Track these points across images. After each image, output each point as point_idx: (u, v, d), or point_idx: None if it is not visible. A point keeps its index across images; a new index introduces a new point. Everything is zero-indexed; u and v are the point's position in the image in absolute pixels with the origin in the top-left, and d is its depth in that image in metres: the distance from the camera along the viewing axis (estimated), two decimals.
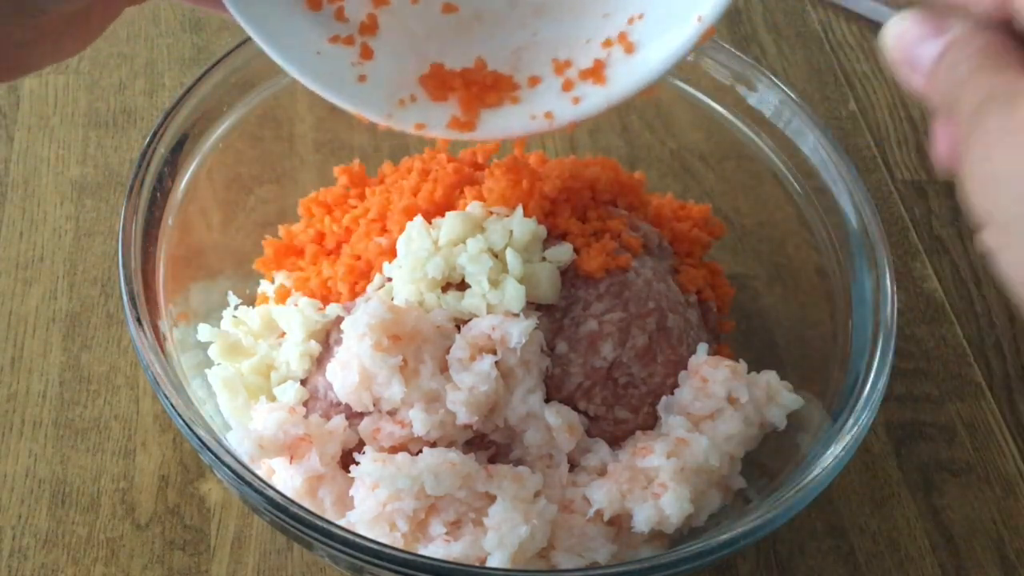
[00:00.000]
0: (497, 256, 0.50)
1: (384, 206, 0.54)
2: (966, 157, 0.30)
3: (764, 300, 0.62)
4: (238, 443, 0.47)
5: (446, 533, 0.46)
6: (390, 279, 0.51)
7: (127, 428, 0.57)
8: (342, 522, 0.46)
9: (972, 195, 0.30)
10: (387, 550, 0.42)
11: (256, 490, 0.43)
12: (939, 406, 0.63)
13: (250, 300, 0.57)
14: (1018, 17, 0.31)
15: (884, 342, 0.50)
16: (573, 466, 0.50)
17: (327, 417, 0.49)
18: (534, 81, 0.45)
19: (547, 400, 0.49)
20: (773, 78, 0.59)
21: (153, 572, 0.52)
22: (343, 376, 0.48)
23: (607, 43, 0.45)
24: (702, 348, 0.52)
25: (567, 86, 0.45)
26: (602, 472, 0.49)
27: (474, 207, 0.52)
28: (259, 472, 0.45)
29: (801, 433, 0.51)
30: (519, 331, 0.47)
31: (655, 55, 0.43)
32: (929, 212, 0.73)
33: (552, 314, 0.50)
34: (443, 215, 0.52)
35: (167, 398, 0.45)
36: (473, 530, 0.46)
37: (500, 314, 0.48)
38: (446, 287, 0.50)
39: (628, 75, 0.44)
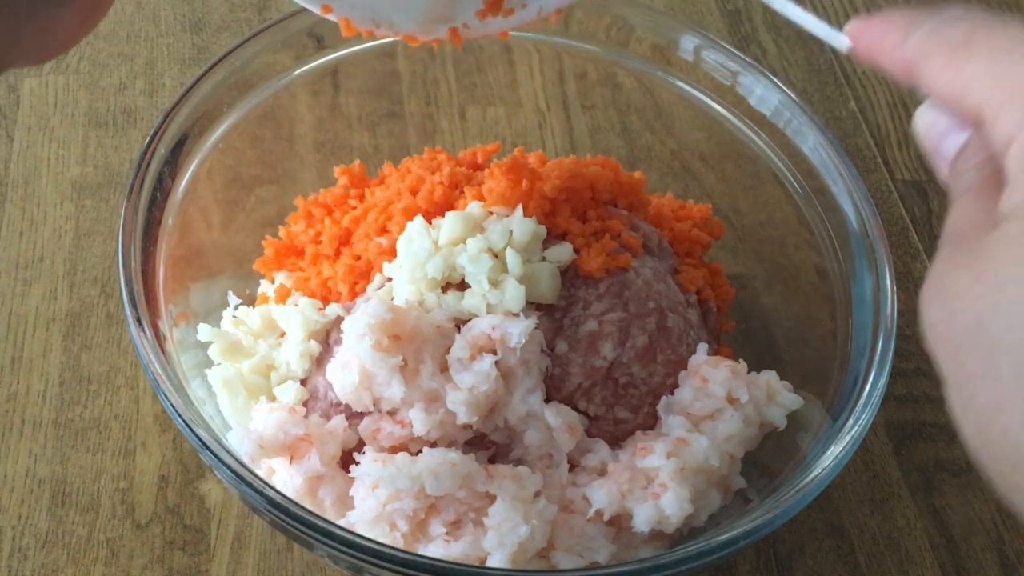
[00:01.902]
0: (497, 256, 0.50)
1: (384, 206, 0.54)
2: (926, 282, 0.29)
3: (764, 300, 0.62)
4: (238, 443, 0.47)
5: (446, 533, 0.46)
6: (390, 279, 0.51)
7: (127, 428, 0.57)
8: (342, 522, 0.46)
9: (929, 341, 0.28)
10: (387, 550, 0.42)
11: (256, 490, 0.42)
12: (939, 406, 0.63)
13: (250, 300, 0.57)
14: (1006, 162, 0.28)
15: (884, 342, 0.50)
16: (573, 466, 0.50)
17: (327, 417, 0.49)
18: None
19: (547, 400, 0.49)
20: (773, 78, 0.59)
21: (153, 572, 0.52)
22: (343, 376, 0.48)
23: None
24: (702, 348, 0.52)
25: None
26: (602, 472, 0.49)
27: (474, 207, 0.52)
28: (259, 472, 0.45)
29: (801, 433, 0.51)
30: (519, 331, 0.47)
31: None
32: (929, 212, 0.73)
33: (552, 314, 0.50)
34: (443, 215, 0.52)
35: (167, 398, 0.45)
36: (473, 530, 0.46)
37: (500, 314, 0.48)
38: (446, 287, 0.50)
39: None
